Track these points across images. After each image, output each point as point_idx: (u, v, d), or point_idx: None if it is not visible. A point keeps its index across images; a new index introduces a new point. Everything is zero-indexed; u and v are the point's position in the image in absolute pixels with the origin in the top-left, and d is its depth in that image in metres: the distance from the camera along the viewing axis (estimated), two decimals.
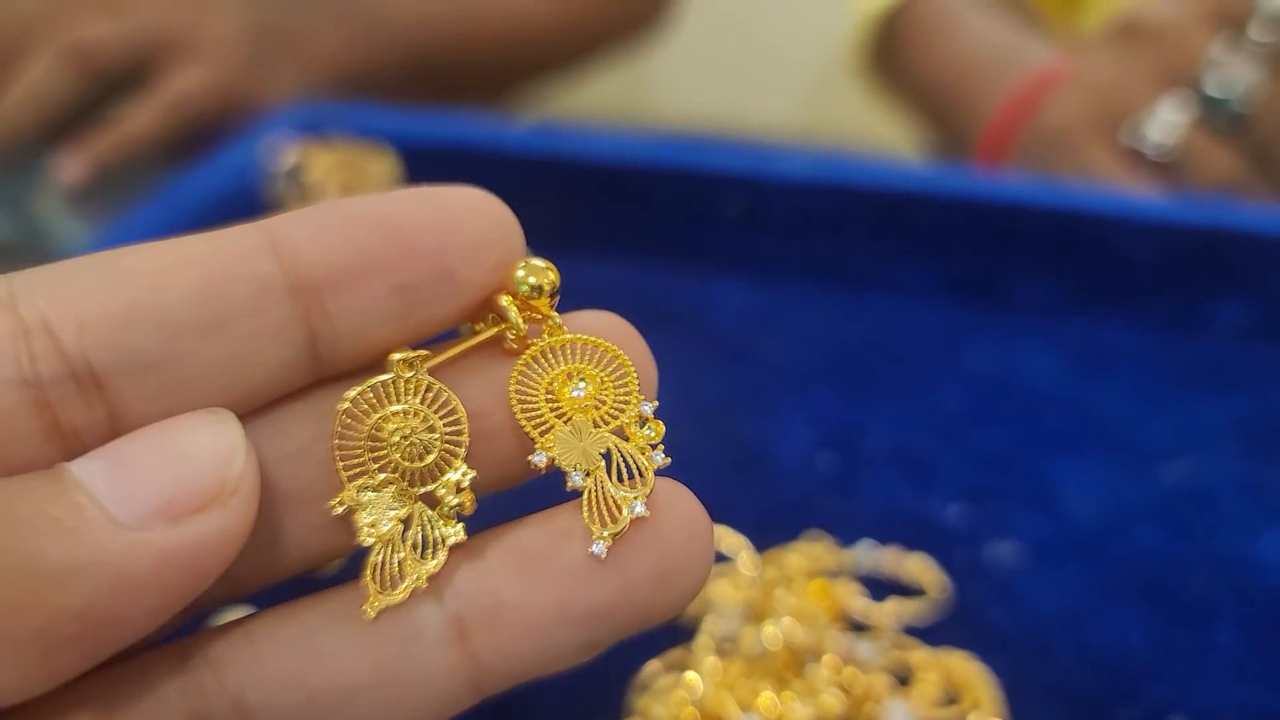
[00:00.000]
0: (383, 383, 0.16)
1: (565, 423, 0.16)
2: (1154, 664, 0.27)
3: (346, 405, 0.16)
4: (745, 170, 0.42)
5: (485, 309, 0.17)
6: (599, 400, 0.16)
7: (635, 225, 0.44)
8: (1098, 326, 0.41)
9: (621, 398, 0.16)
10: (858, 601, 0.28)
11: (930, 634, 0.28)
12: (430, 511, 0.16)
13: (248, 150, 0.43)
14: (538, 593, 0.15)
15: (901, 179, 0.42)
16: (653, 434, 0.16)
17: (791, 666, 0.25)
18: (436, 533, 0.16)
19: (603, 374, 0.16)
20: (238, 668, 0.15)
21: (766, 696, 0.24)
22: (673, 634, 0.27)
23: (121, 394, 0.15)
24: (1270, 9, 0.41)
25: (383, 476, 0.16)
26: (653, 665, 0.26)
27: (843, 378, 0.37)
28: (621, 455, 0.16)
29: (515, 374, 0.16)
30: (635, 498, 0.15)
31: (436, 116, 0.45)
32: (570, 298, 0.42)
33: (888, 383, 0.37)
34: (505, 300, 0.16)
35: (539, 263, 0.17)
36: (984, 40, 0.63)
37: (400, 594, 0.15)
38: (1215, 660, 0.28)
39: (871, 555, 0.29)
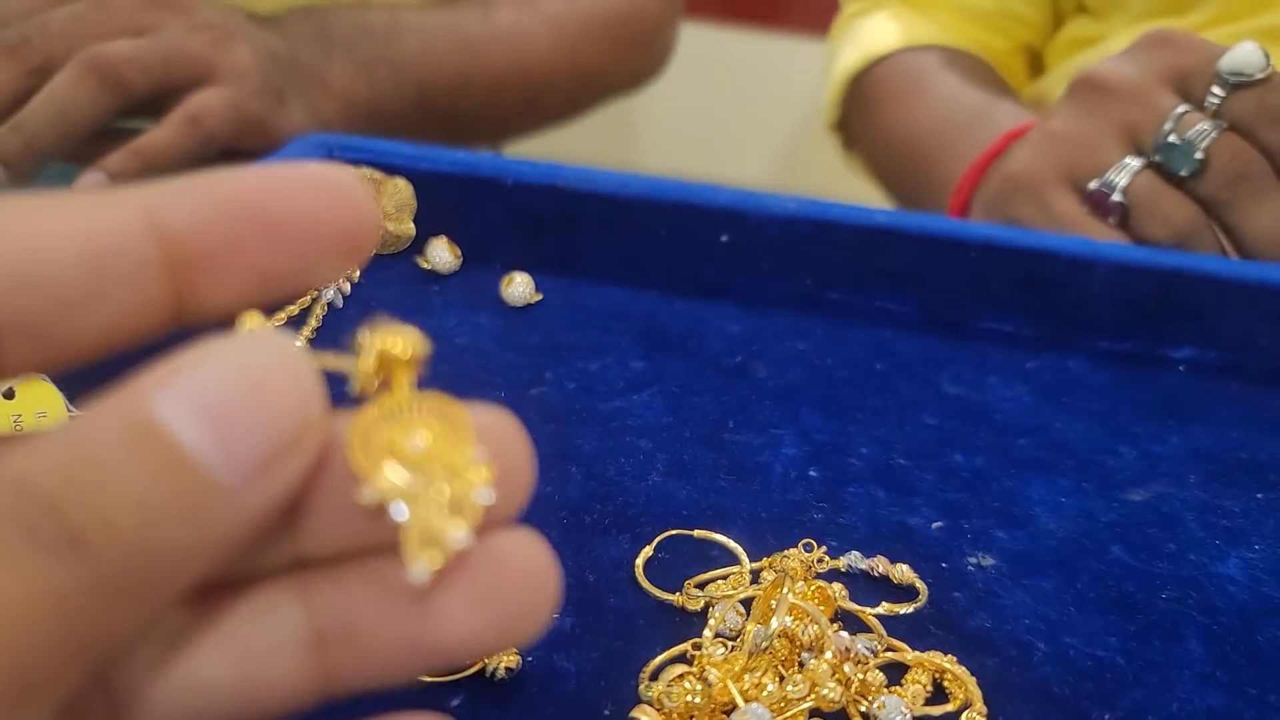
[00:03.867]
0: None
1: (400, 465, 0.16)
2: (1129, 672, 0.27)
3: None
4: (734, 204, 0.43)
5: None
6: (438, 450, 0.16)
7: (632, 253, 0.44)
8: (1064, 360, 0.41)
9: (456, 444, 0.16)
10: (850, 603, 0.28)
11: (917, 637, 0.28)
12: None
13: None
14: (392, 622, 0.16)
15: (879, 216, 0.42)
16: (484, 474, 0.16)
17: (790, 661, 0.25)
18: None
19: (444, 426, 0.16)
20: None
21: (770, 687, 0.24)
22: (679, 628, 0.27)
23: (3, 352, 0.15)
24: (1226, 68, 0.42)
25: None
26: (661, 657, 0.26)
27: (827, 400, 0.38)
28: (447, 493, 0.15)
29: (358, 424, 0.16)
30: (456, 528, 0.15)
31: (447, 150, 0.45)
32: (572, 319, 0.42)
33: (869, 406, 0.38)
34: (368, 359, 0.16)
35: (403, 340, 0.16)
36: (955, 101, 0.63)
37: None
38: (1185, 670, 0.28)
39: (862, 561, 0.29)
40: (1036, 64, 0.77)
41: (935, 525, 0.32)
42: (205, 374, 0.14)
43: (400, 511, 0.15)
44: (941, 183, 0.57)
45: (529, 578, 0.16)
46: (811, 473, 0.34)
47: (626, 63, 0.79)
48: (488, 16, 0.70)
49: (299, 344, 0.14)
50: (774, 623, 0.24)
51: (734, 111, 1.24)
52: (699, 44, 1.22)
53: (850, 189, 0.86)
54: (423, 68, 0.66)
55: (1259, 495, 0.35)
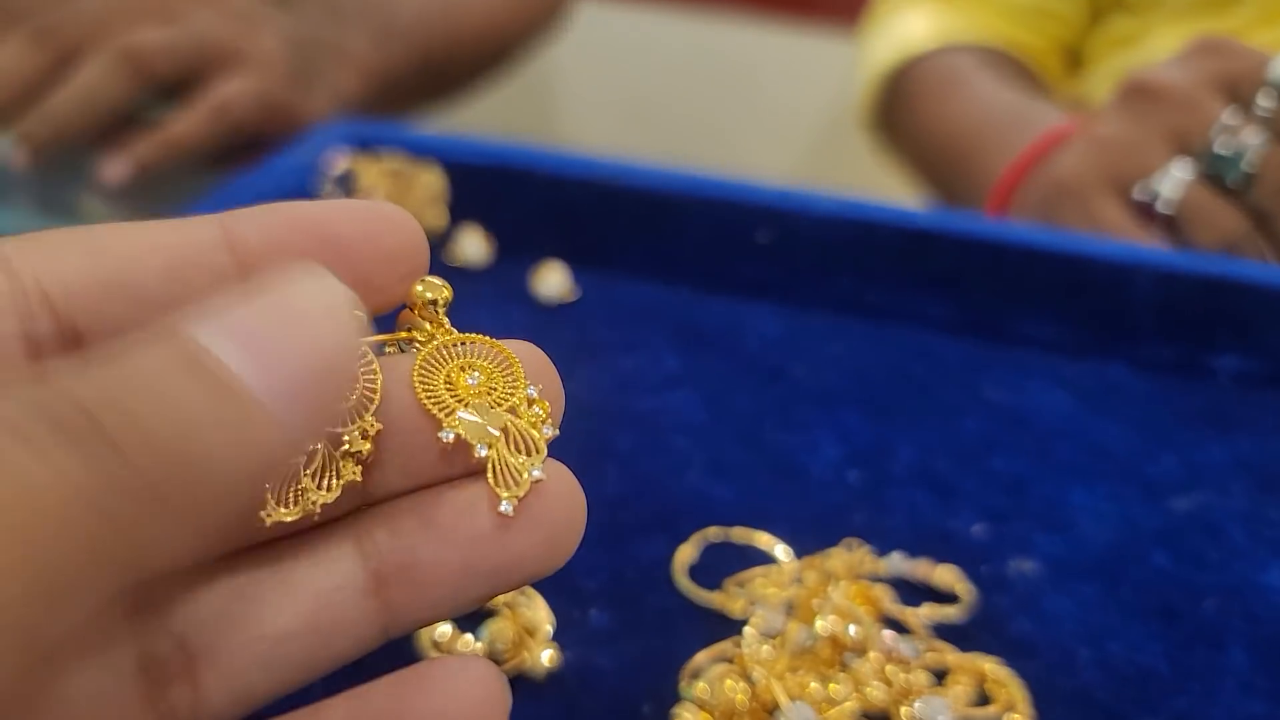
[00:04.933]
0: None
1: (464, 406, 0.17)
2: (1172, 679, 0.27)
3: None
4: (774, 202, 0.43)
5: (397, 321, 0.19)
6: (491, 387, 0.18)
7: (668, 249, 0.44)
8: (1105, 367, 0.41)
9: (510, 384, 0.18)
10: (893, 605, 0.28)
11: (960, 640, 0.28)
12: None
13: (300, 156, 0.43)
14: (447, 552, 0.17)
15: (920, 219, 0.42)
16: (540, 413, 0.18)
17: (834, 661, 0.25)
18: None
19: (491, 367, 0.18)
20: (183, 613, 0.16)
21: (814, 686, 0.24)
22: (720, 627, 0.27)
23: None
24: (1275, 78, 0.42)
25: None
26: (701, 656, 0.26)
27: (867, 402, 0.38)
28: (516, 430, 0.17)
29: (417, 367, 0.17)
30: (533, 464, 0.17)
31: (480, 139, 0.46)
32: (606, 315, 0.42)
33: (910, 409, 0.37)
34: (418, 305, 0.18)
35: (435, 280, 0.19)
36: (994, 100, 0.63)
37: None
38: (1229, 678, 0.28)
39: (904, 563, 0.29)
40: (1073, 61, 0.76)
41: (976, 529, 0.32)
42: (247, 306, 0.14)
43: (482, 449, 0.17)
44: (981, 180, 0.57)
45: (565, 499, 0.18)
46: (851, 474, 0.34)
47: (539, 10, 0.81)
48: None
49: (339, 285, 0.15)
50: (819, 622, 0.24)
51: (762, 107, 1.24)
52: (727, 40, 1.22)
53: (876, 184, 0.86)
54: (421, 32, 0.68)
55: None
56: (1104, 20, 0.72)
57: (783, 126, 1.23)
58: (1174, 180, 0.44)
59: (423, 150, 0.44)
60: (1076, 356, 0.41)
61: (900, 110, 0.73)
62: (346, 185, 0.43)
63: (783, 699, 0.23)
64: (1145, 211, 0.44)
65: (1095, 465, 0.35)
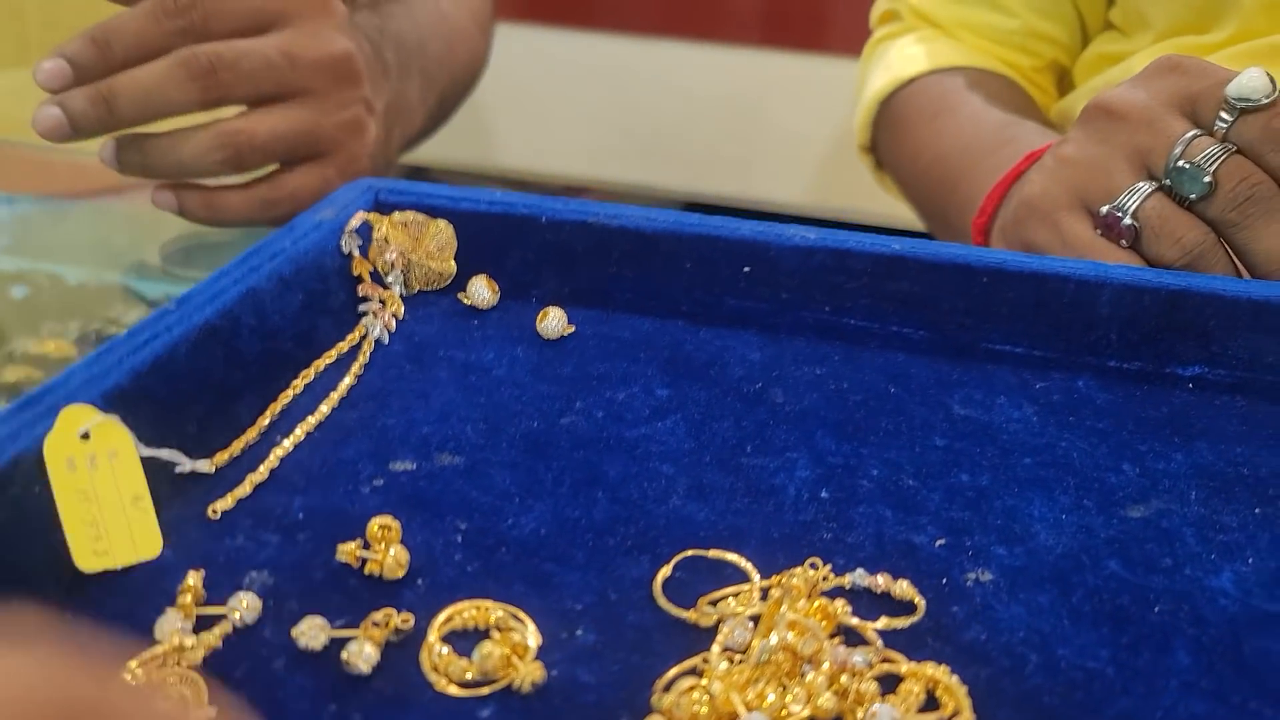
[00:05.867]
0: None
1: None
2: (1117, 682, 0.29)
3: None
4: (755, 236, 0.45)
5: None
6: None
7: (659, 285, 0.46)
8: (1073, 380, 0.42)
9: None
10: (850, 618, 0.30)
11: (915, 649, 0.29)
12: None
13: (321, 213, 0.46)
14: None
15: (892, 245, 0.44)
16: None
17: (792, 673, 0.27)
18: None
19: None
20: None
21: (771, 698, 0.26)
22: (694, 643, 0.29)
23: None
24: (1233, 93, 0.43)
25: None
26: (673, 670, 0.28)
27: (841, 423, 0.39)
28: None
29: None
30: None
31: (482, 191, 0.48)
32: (602, 349, 0.44)
33: (881, 429, 0.39)
34: None
35: None
36: (980, 122, 0.65)
37: None
38: (1172, 679, 0.29)
39: (865, 578, 0.31)
40: (1066, 81, 0.78)
41: (938, 543, 0.34)
42: None
43: None
44: (966, 203, 0.59)
45: None
46: (823, 494, 0.36)
47: (487, 45, 0.84)
48: (437, 6, 0.74)
49: None
50: (773, 637, 0.26)
51: (773, 133, 1.26)
52: (740, 66, 1.24)
53: (887, 210, 0.87)
54: (436, 68, 0.70)
55: (1257, 510, 0.36)
56: (1093, 40, 0.74)
57: (793, 152, 1.25)
58: (1138, 196, 0.45)
59: (432, 203, 0.47)
60: (1044, 371, 0.43)
61: (892, 136, 0.74)
62: (365, 237, 0.45)
63: (740, 709, 0.25)
64: (1111, 227, 0.46)
65: (1057, 477, 0.37)
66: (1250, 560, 0.33)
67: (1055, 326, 0.43)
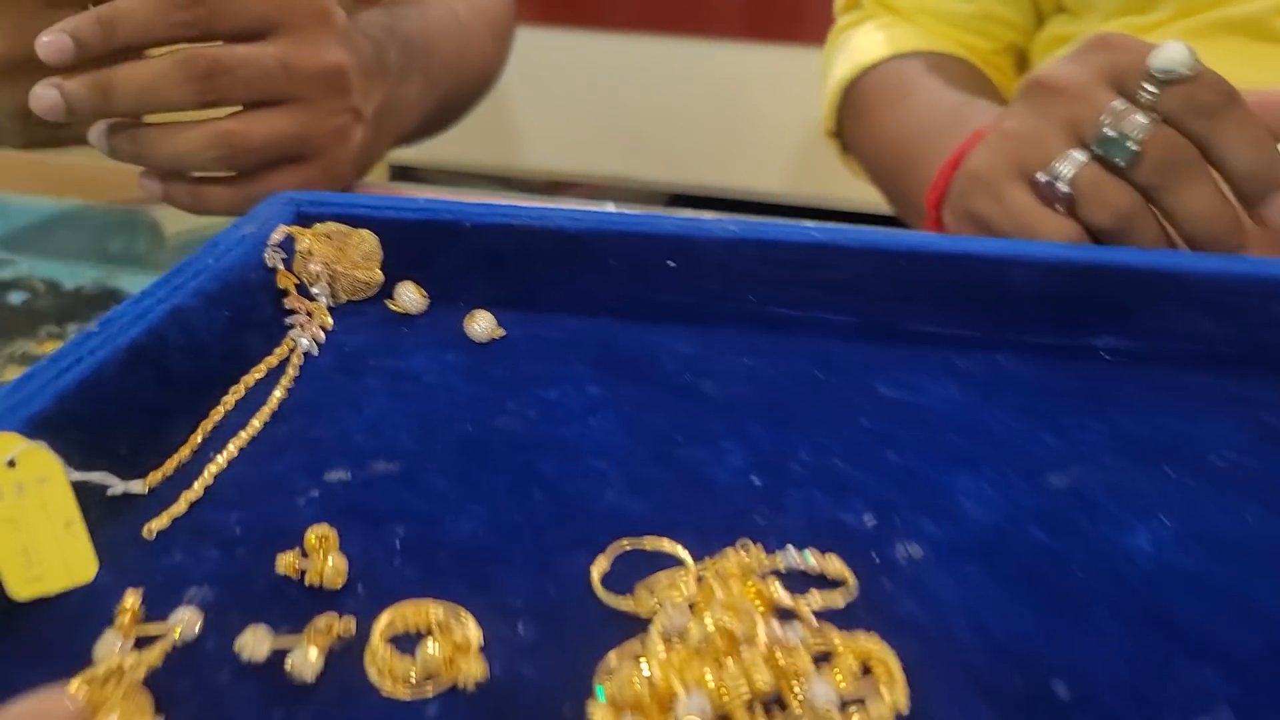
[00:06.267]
0: None
1: None
2: (1041, 641, 0.30)
3: None
4: (679, 231, 0.45)
5: None
6: None
7: (586, 284, 0.46)
8: (993, 356, 0.44)
9: None
10: (783, 596, 0.30)
11: (847, 623, 0.30)
12: None
13: (244, 228, 0.46)
14: None
15: (814, 233, 0.45)
16: None
17: (731, 652, 0.28)
18: None
19: None
20: None
21: (709, 677, 0.26)
22: (633, 631, 0.30)
23: None
24: (1156, 66, 0.45)
25: None
26: (613, 655, 0.28)
27: (770, 410, 0.40)
28: None
29: None
30: None
31: (406, 199, 0.48)
32: (532, 350, 0.44)
33: (810, 414, 0.40)
34: None
35: None
36: (937, 104, 0.68)
37: None
38: (1093, 635, 0.30)
39: (796, 557, 0.32)
40: (1024, 62, 0.80)
41: (869, 521, 0.34)
42: None
43: None
44: (924, 182, 0.61)
45: None
46: (755, 480, 0.36)
47: (503, 52, 0.85)
48: (453, 10, 0.75)
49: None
50: (706, 620, 0.27)
51: (753, 124, 1.29)
52: (719, 60, 1.26)
53: (866, 196, 0.89)
54: (441, 72, 0.71)
55: (1170, 472, 0.37)
56: (1047, 22, 0.76)
57: (773, 142, 1.28)
58: (1071, 165, 0.48)
59: (355, 213, 0.47)
60: (965, 349, 0.44)
61: (856, 121, 0.77)
62: (289, 250, 0.45)
63: (679, 689, 0.26)
64: (1049, 195, 0.48)
65: (981, 451, 0.38)
66: (1163, 519, 0.35)
67: (974, 305, 0.45)
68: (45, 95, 0.49)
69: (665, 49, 1.29)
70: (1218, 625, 0.31)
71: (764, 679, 0.26)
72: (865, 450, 0.38)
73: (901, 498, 0.36)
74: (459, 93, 0.76)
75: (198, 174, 0.56)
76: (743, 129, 1.31)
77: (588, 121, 1.35)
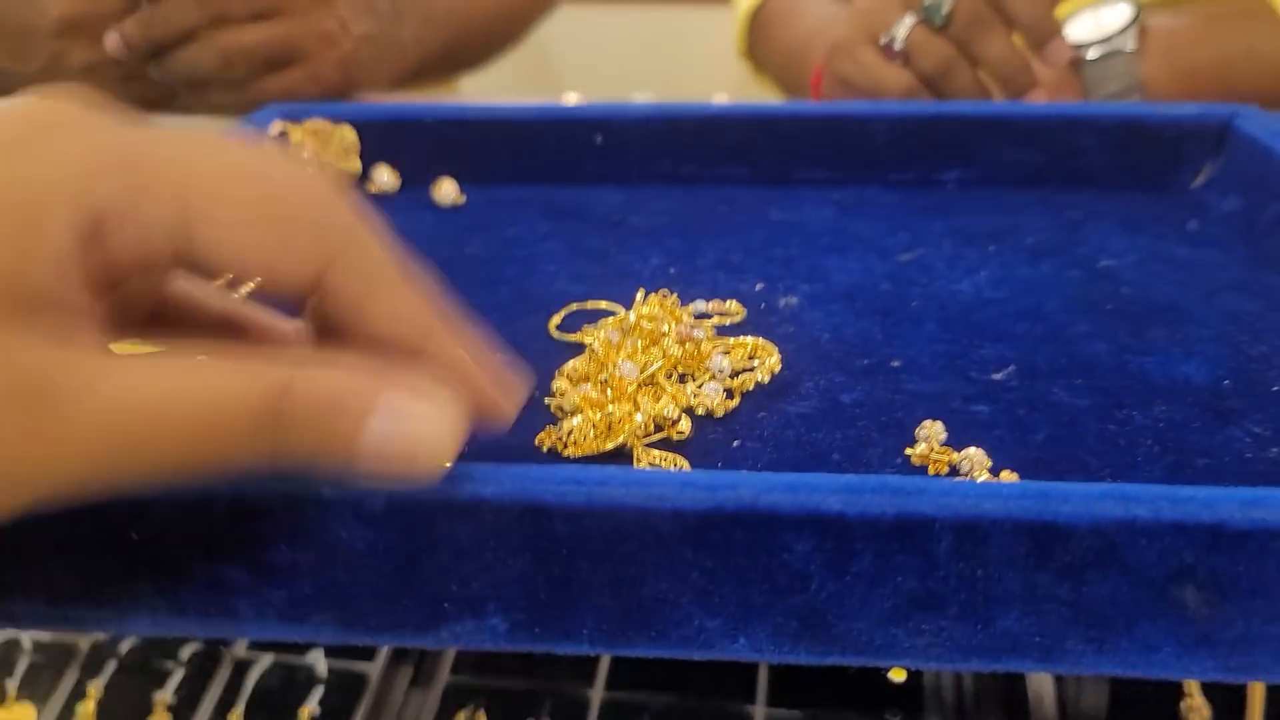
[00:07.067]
0: None
1: None
2: (884, 342, 0.41)
3: None
4: (604, 112, 0.56)
5: None
6: None
7: (530, 161, 0.57)
8: (862, 190, 0.55)
9: None
10: (691, 319, 0.41)
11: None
12: None
13: (247, 126, 0.56)
14: None
15: (714, 108, 0.56)
16: None
17: (653, 339, 0.38)
18: None
19: None
20: None
21: (639, 355, 0.37)
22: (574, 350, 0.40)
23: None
24: None
25: None
26: (571, 362, 0.39)
27: (683, 232, 0.51)
28: None
29: None
30: None
31: (380, 104, 0.58)
32: (489, 208, 0.55)
33: (715, 231, 0.51)
34: None
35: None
36: (818, 16, 0.82)
37: None
38: (923, 336, 0.41)
39: (703, 304, 0.42)
40: None
41: (758, 286, 0.45)
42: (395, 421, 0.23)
43: None
44: (812, 71, 0.74)
45: None
46: (671, 270, 0.47)
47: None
48: None
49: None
50: (632, 316, 0.37)
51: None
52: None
53: None
54: (451, 21, 0.81)
55: (991, 248, 0.48)
56: None
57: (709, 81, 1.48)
58: (904, 28, 0.62)
59: (338, 113, 0.57)
60: (840, 186, 0.55)
61: (762, 38, 0.92)
62: (282, 141, 0.55)
63: (613, 359, 0.36)
64: (890, 52, 0.63)
65: (848, 245, 0.49)
66: (983, 274, 0.46)
67: (845, 153, 0.56)
68: (109, 38, 0.63)
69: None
70: (1012, 324, 0.42)
71: (675, 348, 0.37)
72: (758, 249, 0.49)
73: (784, 272, 0.46)
74: (470, 37, 0.86)
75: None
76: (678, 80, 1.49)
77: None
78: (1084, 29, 0.67)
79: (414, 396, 0.23)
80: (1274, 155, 0.49)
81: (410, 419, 0.23)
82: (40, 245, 0.21)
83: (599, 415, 0.33)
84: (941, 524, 0.24)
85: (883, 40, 0.63)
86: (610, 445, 0.33)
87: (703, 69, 1.40)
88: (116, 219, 0.22)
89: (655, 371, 0.36)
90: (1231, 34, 0.67)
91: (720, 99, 0.64)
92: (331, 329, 0.26)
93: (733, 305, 0.43)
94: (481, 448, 0.35)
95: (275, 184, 0.25)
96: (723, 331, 0.41)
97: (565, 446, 0.33)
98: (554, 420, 0.35)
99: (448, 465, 0.24)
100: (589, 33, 1.48)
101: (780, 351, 0.39)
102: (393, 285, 0.26)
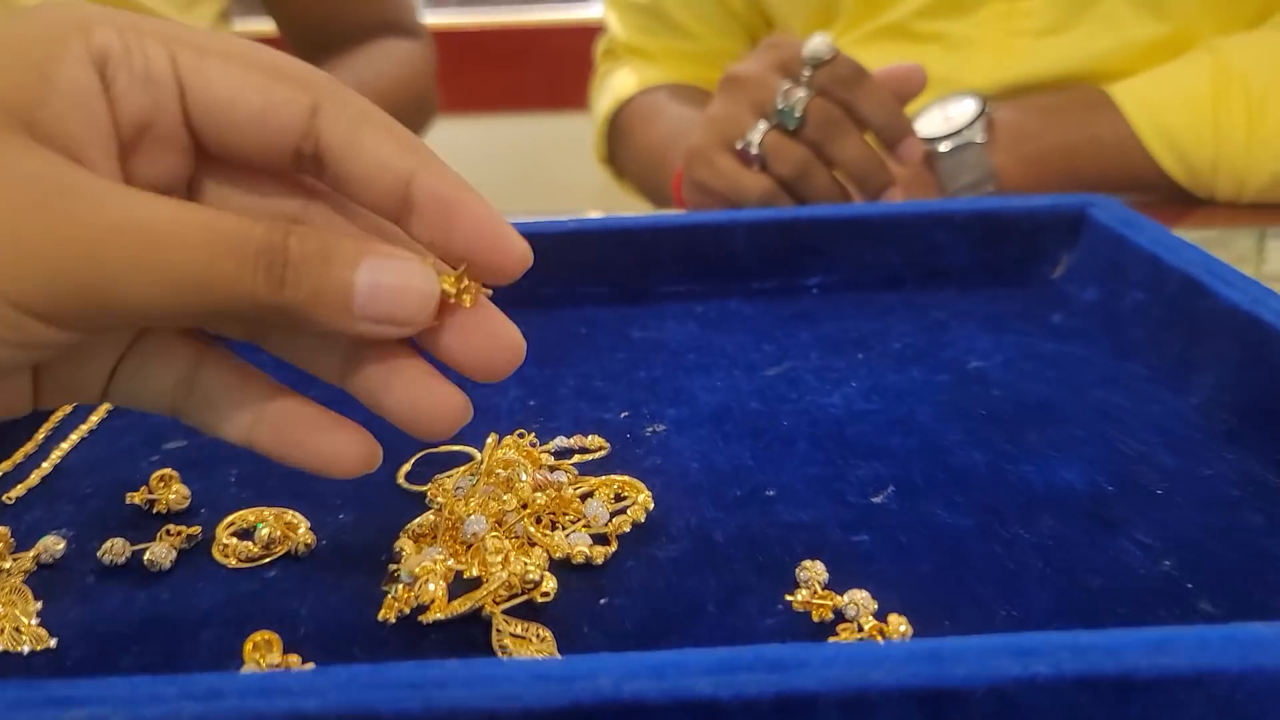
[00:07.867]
0: None
1: None
2: (757, 468, 0.38)
3: None
4: None
5: None
6: None
7: None
8: (725, 302, 0.53)
9: None
10: (552, 461, 0.38)
11: (603, 474, 0.38)
12: None
13: None
14: None
15: (569, 224, 0.54)
16: None
17: (507, 487, 0.35)
18: None
19: None
20: None
21: (484, 503, 0.34)
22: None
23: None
24: (806, 54, 0.59)
25: None
26: (416, 520, 0.35)
27: (541, 358, 0.48)
28: None
29: None
30: None
31: None
32: None
33: (574, 356, 0.48)
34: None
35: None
36: (679, 119, 0.83)
37: None
38: (795, 458, 0.39)
39: (560, 440, 0.40)
40: None
41: (623, 415, 0.43)
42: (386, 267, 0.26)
43: None
44: (671, 176, 0.73)
45: None
46: (531, 402, 0.44)
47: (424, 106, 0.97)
48: (378, 71, 0.85)
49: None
50: (485, 465, 0.35)
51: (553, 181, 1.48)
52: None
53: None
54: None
55: (859, 356, 0.47)
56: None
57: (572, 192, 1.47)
58: (758, 133, 0.62)
59: None
60: (702, 299, 0.53)
61: (620, 144, 0.92)
62: None
63: (464, 512, 0.33)
64: (746, 158, 0.62)
65: (713, 362, 0.47)
66: (853, 385, 0.44)
67: (706, 264, 0.54)
68: None
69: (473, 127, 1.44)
70: (886, 438, 0.40)
71: (540, 499, 0.34)
72: (621, 373, 0.46)
73: (649, 396, 0.44)
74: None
75: None
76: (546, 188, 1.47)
77: None
78: (934, 124, 0.68)
79: (395, 252, 0.27)
80: (1128, 243, 0.49)
81: (395, 272, 0.26)
82: (60, 73, 0.25)
83: (445, 581, 0.30)
84: (825, 700, 0.22)
85: (738, 145, 0.63)
86: (465, 609, 0.30)
87: (574, 181, 1.41)
88: (115, 64, 0.25)
89: (511, 524, 0.34)
90: (1074, 123, 0.69)
91: (593, 214, 0.62)
92: (320, 192, 0.29)
93: (595, 440, 0.40)
94: (318, 625, 0.31)
95: (255, 46, 0.27)
96: (585, 470, 0.38)
97: (411, 614, 0.30)
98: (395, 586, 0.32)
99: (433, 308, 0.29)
100: (450, 144, 1.48)
101: (649, 487, 0.37)
102: (378, 126, 0.27)
